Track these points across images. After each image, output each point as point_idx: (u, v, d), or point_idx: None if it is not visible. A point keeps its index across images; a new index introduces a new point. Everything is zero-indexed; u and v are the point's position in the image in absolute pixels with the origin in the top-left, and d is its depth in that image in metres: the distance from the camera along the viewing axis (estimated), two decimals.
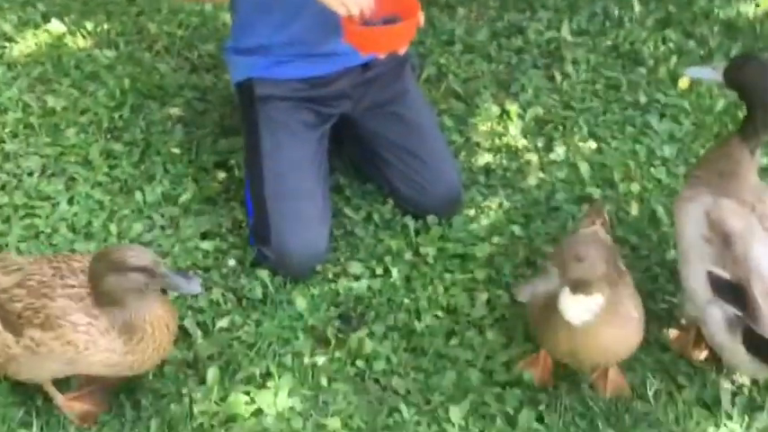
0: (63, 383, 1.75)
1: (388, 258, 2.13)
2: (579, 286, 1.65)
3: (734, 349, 1.77)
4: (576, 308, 1.66)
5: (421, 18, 1.87)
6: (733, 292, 1.75)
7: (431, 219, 2.20)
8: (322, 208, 2.09)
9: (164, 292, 1.68)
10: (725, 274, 1.76)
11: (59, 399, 1.73)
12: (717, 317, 1.78)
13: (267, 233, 2.03)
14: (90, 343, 1.59)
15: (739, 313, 1.74)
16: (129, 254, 1.55)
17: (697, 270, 1.82)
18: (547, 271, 1.68)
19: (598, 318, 1.67)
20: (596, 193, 2.34)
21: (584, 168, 2.39)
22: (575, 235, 1.87)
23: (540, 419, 1.86)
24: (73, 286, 1.61)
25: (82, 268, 1.63)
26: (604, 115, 2.58)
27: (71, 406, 1.74)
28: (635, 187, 2.36)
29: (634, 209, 2.31)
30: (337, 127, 2.22)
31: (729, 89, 1.88)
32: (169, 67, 2.54)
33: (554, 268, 1.65)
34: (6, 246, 2.01)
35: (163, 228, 2.12)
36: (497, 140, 2.48)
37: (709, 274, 1.79)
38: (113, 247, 1.61)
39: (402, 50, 1.91)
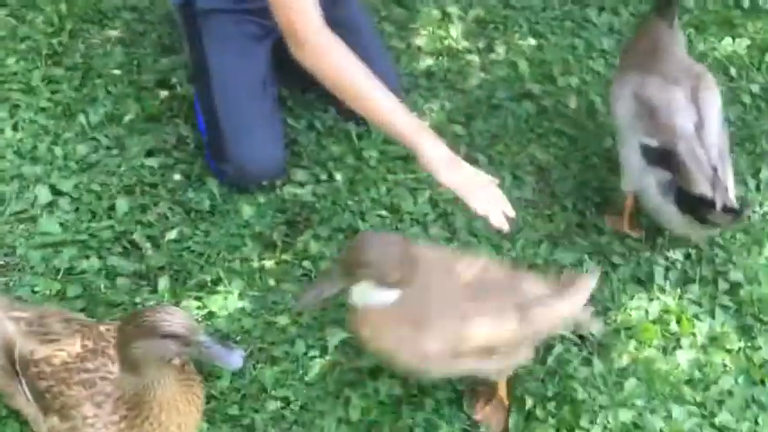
0: None
1: (331, 164, 2.18)
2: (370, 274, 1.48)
3: (668, 211, 1.92)
4: (360, 288, 1.52)
5: None
6: (663, 157, 1.89)
7: None
8: (275, 119, 2.12)
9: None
10: (654, 143, 1.90)
11: None
12: (651, 184, 1.93)
13: (224, 149, 2.06)
14: None
15: (670, 176, 1.88)
16: (166, 319, 1.37)
17: (631, 144, 1.96)
18: (330, 274, 1.51)
19: (380, 312, 1.51)
20: (536, 88, 2.38)
21: (523, 66, 2.42)
22: (364, 234, 1.60)
23: None
24: (89, 370, 1.49)
25: (110, 345, 1.50)
26: (544, 12, 2.59)
27: None
28: (574, 81, 2.40)
29: (572, 102, 2.36)
30: (280, 40, 2.22)
31: None
32: None
33: (337, 270, 1.49)
34: None
35: (108, 148, 2.16)
36: (438, 44, 2.50)
37: (642, 146, 1.93)
38: (148, 309, 1.42)
39: None
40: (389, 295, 1.50)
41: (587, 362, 1.86)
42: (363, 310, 1.53)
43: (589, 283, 1.62)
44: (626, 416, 1.76)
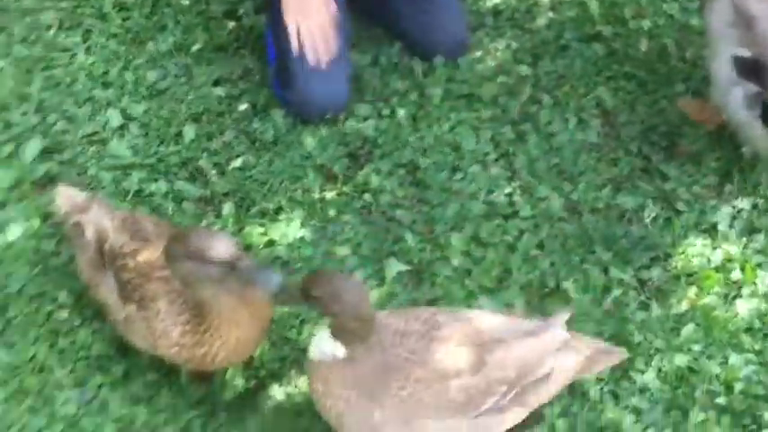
0: None
1: (394, 99, 2.17)
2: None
3: (752, 126, 1.90)
4: (319, 339, 1.49)
5: None
6: (754, 69, 1.88)
7: (437, 60, 2.23)
8: (343, 52, 2.12)
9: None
10: (747, 53, 1.90)
11: None
12: (738, 97, 1.92)
13: (290, 78, 2.07)
14: (164, 332, 1.54)
15: (758, 88, 1.87)
16: (212, 244, 1.40)
17: (723, 56, 1.96)
18: (292, 289, 1.45)
19: (330, 366, 1.46)
20: (606, 30, 2.32)
21: (594, 6, 2.36)
22: (330, 272, 1.57)
23: (539, 246, 1.95)
24: (167, 267, 1.52)
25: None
26: None
27: None
28: (646, 23, 2.33)
29: (644, 45, 2.29)
30: None
31: None
32: None
33: (296, 289, 1.44)
34: (29, 95, 2.12)
35: (177, 76, 2.19)
36: None
37: (734, 57, 1.92)
38: (196, 231, 1.47)
39: None
40: (339, 349, 1.45)
41: (645, 306, 1.85)
42: (316, 362, 1.49)
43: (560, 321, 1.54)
44: (681, 360, 1.75)
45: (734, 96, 1.92)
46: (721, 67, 1.95)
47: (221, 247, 1.41)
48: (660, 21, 2.35)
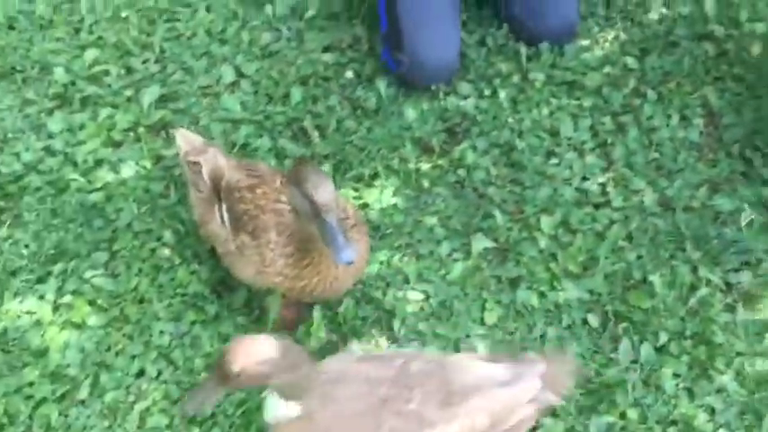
0: None
1: (497, 81, 2.20)
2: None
3: None
4: (270, 403, 1.44)
5: None
6: None
7: (543, 45, 2.24)
8: (455, 21, 2.15)
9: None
10: None
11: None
12: None
13: (402, 40, 2.10)
14: (272, 261, 1.62)
15: None
16: (314, 180, 1.44)
17: None
18: (207, 382, 1.39)
19: (288, 427, 1.42)
20: (719, 30, 2.29)
21: (709, 5, 2.32)
22: (237, 340, 1.40)
23: (628, 238, 1.96)
24: (281, 201, 1.64)
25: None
26: None
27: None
28: (761, 27, 2.28)
29: (756, 48, 2.25)
30: None
31: None
32: None
33: (213, 377, 1.37)
34: (151, 44, 2.24)
35: (289, 40, 2.28)
36: None
37: None
38: (311, 166, 1.49)
39: None
40: (292, 408, 1.40)
41: (731, 308, 1.84)
42: (275, 426, 1.44)
43: (537, 369, 1.49)
44: (763, 365, 1.74)
45: None
46: None
47: (323, 189, 1.45)
48: None
